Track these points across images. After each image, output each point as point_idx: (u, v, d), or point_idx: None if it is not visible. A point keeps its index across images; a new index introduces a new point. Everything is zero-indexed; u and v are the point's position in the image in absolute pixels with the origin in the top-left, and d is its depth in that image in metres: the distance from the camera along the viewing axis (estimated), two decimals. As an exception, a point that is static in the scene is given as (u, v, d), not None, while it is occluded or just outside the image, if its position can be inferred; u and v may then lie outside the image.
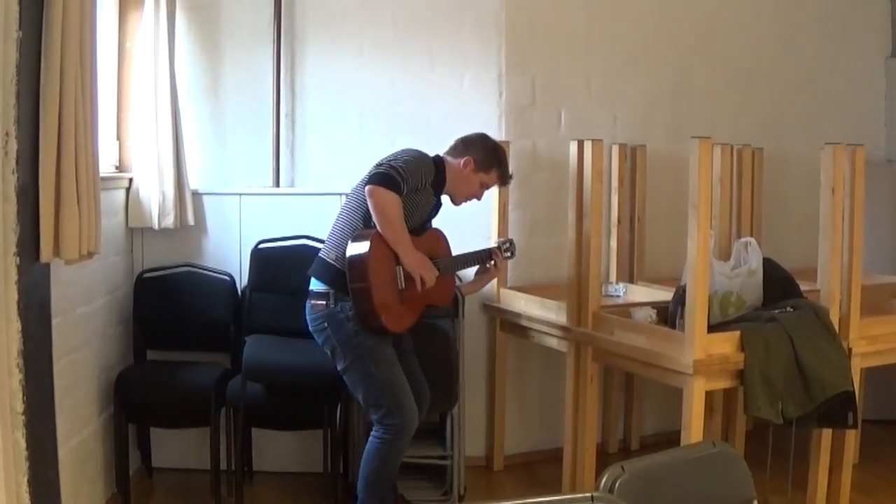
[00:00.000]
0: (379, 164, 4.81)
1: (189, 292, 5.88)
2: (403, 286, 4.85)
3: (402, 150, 4.98)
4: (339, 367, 4.87)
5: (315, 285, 4.88)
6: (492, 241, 5.99)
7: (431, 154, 5.07)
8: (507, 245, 5.45)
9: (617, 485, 2.68)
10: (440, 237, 5.23)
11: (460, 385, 5.50)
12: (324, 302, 4.82)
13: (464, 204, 5.26)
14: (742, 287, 5.06)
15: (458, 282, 5.63)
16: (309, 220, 5.73)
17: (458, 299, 5.59)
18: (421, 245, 4.93)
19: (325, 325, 4.82)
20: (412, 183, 4.80)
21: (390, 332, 4.85)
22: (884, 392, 6.86)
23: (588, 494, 2.44)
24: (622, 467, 2.74)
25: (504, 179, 5.30)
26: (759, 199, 6.59)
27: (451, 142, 5.14)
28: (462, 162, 5.10)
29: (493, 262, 5.36)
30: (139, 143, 5.74)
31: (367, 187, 4.72)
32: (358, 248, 4.73)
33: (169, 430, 5.85)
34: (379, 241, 4.74)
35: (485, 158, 5.13)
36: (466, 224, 5.57)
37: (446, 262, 5.15)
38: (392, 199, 4.70)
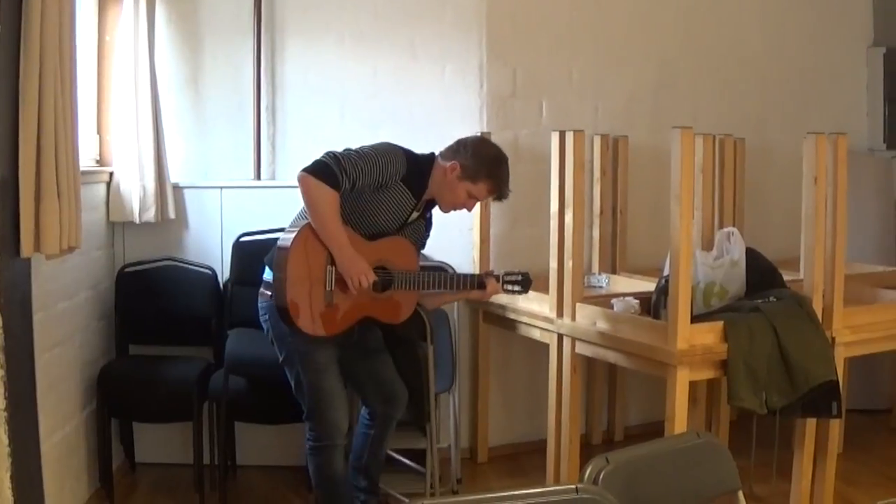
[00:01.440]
0: (327, 153, 4.50)
1: (171, 286, 5.87)
2: (332, 287, 4.51)
3: (378, 143, 4.67)
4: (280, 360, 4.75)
5: (266, 273, 4.69)
6: (473, 235, 6.00)
7: (428, 151, 4.78)
8: (519, 279, 4.87)
9: (601, 476, 2.68)
10: (404, 247, 4.74)
11: (431, 404, 5.09)
12: (269, 292, 4.59)
13: (453, 212, 4.90)
14: (725, 277, 5.06)
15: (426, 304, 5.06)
16: (290, 212, 5.66)
17: (425, 323, 4.95)
18: (373, 250, 4.60)
19: (267, 316, 4.66)
20: (364, 178, 4.47)
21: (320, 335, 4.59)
22: (868, 381, 6.89)
23: (573, 486, 2.44)
24: (606, 458, 2.74)
25: (497, 192, 4.75)
26: (741, 189, 6.60)
27: (431, 133, 4.96)
28: (449, 166, 4.66)
29: (483, 289, 4.84)
30: (119, 136, 5.72)
31: (298, 173, 4.48)
32: (286, 237, 4.55)
33: (152, 424, 5.83)
34: (309, 233, 4.50)
35: (473, 166, 4.64)
36: (447, 217, 5.53)
37: (402, 277, 4.65)
38: (323, 192, 4.39)
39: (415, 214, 4.77)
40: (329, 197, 4.41)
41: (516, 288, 4.85)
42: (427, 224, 4.95)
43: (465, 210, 4.89)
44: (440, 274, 4.79)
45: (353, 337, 4.75)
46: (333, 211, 4.45)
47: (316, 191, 4.40)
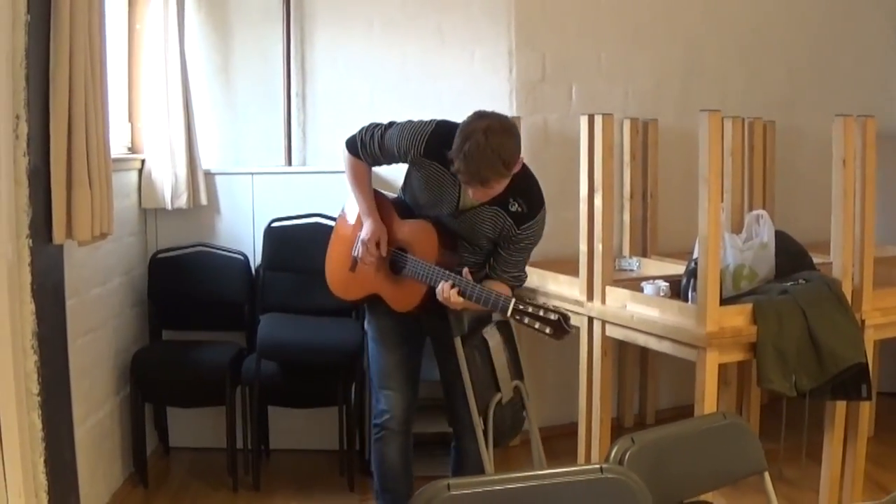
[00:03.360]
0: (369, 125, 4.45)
1: (203, 272, 5.92)
2: (356, 253, 4.44)
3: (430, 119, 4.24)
4: None
5: None
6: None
7: None
8: (552, 319, 3.94)
9: (627, 456, 2.71)
10: (425, 233, 4.29)
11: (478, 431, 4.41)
12: None
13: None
14: (754, 260, 5.05)
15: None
16: (321, 198, 5.75)
17: (451, 337, 4.27)
18: (401, 229, 4.40)
19: None
20: (383, 152, 4.31)
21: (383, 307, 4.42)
22: (899, 364, 6.86)
23: (597, 466, 2.46)
24: (632, 439, 2.77)
25: (461, 172, 3.94)
26: (771, 172, 6.59)
27: (461, 119, 4.22)
28: None
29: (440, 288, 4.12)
30: (151, 124, 5.76)
31: None
32: None
33: (185, 409, 5.88)
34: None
35: (454, 141, 3.96)
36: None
37: (413, 264, 4.27)
38: (349, 160, 4.46)
39: (471, 200, 4.17)
40: (354, 164, 4.46)
41: (546, 330, 3.97)
42: (518, 218, 4.20)
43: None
44: (439, 271, 4.15)
45: (418, 321, 4.44)
46: (358, 177, 4.46)
47: (345, 157, 4.48)
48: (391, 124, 4.33)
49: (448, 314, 4.23)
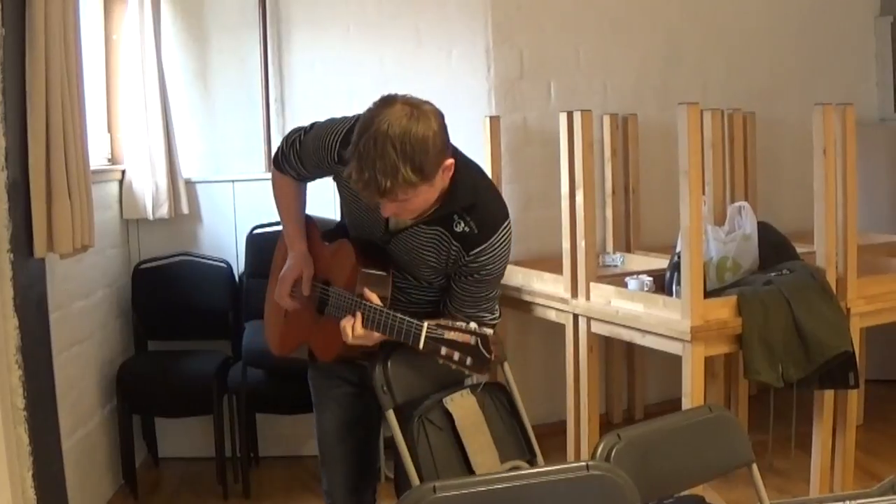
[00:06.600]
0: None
1: (187, 281, 5.92)
2: (277, 295, 3.65)
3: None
4: None
5: None
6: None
7: None
8: (472, 343, 2.96)
9: (613, 453, 2.71)
10: (345, 255, 3.40)
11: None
12: None
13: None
14: (737, 252, 5.07)
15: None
16: (302, 204, 5.75)
17: (379, 384, 3.31)
18: (326, 258, 3.56)
19: None
20: (306, 161, 3.43)
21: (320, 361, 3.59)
22: (887, 352, 6.86)
23: (584, 463, 2.45)
24: (618, 435, 2.77)
25: (352, 179, 2.95)
26: (752, 163, 6.58)
27: None
28: None
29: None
30: (130, 134, 5.75)
31: None
32: None
33: (173, 419, 5.87)
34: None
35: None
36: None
37: (336, 299, 3.36)
38: (274, 177, 3.63)
39: (403, 220, 3.23)
40: (278, 182, 3.62)
41: (467, 362, 2.96)
42: (466, 241, 3.18)
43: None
44: (357, 303, 3.21)
45: (354, 376, 3.57)
46: (283, 198, 3.64)
47: (272, 176, 3.67)
48: (312, 126, 3.45)
49: (373, 382, 3.30)
